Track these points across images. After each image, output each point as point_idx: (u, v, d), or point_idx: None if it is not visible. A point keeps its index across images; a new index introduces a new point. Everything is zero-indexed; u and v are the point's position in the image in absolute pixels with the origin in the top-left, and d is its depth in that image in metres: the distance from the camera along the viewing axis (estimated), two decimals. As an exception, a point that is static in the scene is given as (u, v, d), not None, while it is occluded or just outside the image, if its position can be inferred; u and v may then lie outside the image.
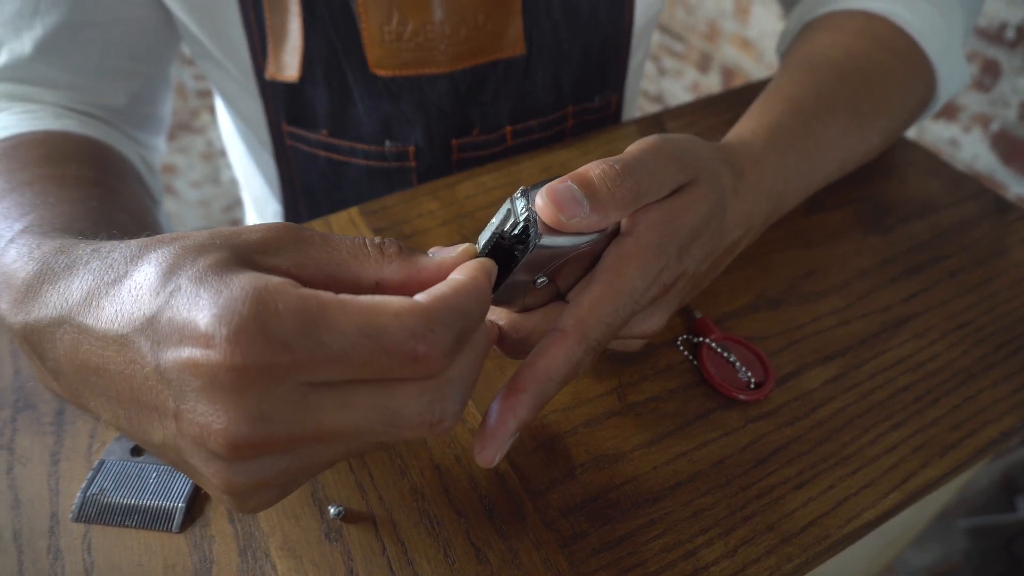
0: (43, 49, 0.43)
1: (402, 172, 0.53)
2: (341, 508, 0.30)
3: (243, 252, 0.22)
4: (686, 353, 0.37)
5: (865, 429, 0.34)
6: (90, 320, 0.22)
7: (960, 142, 1.19)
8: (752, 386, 0.35)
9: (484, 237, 0.28)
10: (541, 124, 0.55)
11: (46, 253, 0.26)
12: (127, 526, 0.30)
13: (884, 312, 0.40)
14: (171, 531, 0.29)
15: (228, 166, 1.91)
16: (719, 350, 0.36)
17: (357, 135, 0.51)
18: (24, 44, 0.42)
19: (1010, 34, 1.07)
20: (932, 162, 0.51)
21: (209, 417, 0.19)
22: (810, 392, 0.35)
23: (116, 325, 0.21)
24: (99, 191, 0.38)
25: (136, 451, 0.32)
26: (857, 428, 0.34)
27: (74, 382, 0.23)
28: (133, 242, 0.23)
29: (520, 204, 0.27)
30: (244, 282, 0.19)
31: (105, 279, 0.22)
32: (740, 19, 1.55)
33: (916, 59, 0.46)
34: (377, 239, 0.24)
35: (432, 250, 0.26)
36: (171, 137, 1.77)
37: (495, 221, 0.28)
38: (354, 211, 0.44)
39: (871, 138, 0.44)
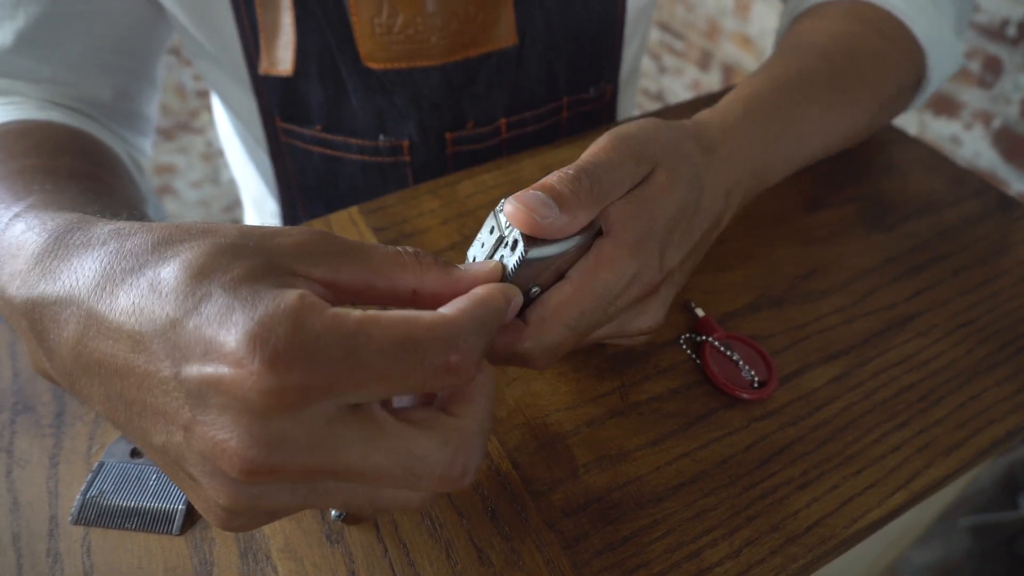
0: (25, 40, 0.42)
1: (396, 167, 0.53)
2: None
3: (277, 258, 0.21)
4: (689, 352, 0.36)
5: (869, 429, 0.34)
6: (103, 307, 0.20)
7: (961, 139, 1.19)
8: (755, 385, 0.35)
9: (476, 252, 0.28)
10: (535, 116, 0.55)
11: (60, 225, 0.24)
12: (127, 529, 0.29)
13: (887, 311, 0.40)
14: (171, 533, 0.29)
15: (227, 166, 1.91)
16: (722, 349, 0.36)
17: (351, 130, 0.51)
18: (6, 35, 0.42)
19: (1011, 31, 1.06)
20: (934, 159, 0.51)
21: (227, 435, 0.18)
22: (813, 391, 0.35)
23: (133, 320, 0.20)
24: (95, 185, 0.37)
25: (136, 453, 0.32)
26: (861, 428, 0.34)
27: (71, 367, 0.22)
28: (156, 227, 0.22)
29: (504, 218, 0.27)
30: (280, 300, 0.19)
31: (123, 265, 0.21)
32: (740, 16, 1.54)
33: (904, 40, 0.45)
34: (412, 249, 0.24)
35: (462, 266, 0.26)
36: (171, 137, 1.77)
37: (482, 236, 0.28)
38: (354, 210, 0.44)
39: (857, 116, 0.44)
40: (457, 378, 0.21)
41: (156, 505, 0.30)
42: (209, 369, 0.18)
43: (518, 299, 0.26)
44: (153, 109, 0.54)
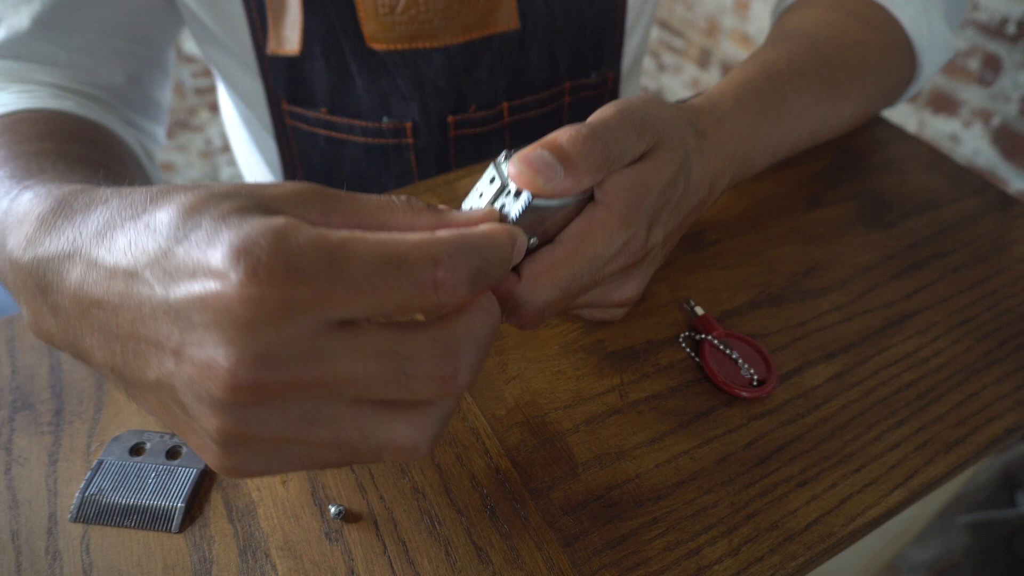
0: (41, 25, 0.43)
1: (399, 149, 0.54)
2: (341, 508, 0.29)
3: (268, 203, 0.21)
4: (688, 350, 0.36)
5: (868, 426, 0.34)
6: (101, 252, 0.21)
7: (960, 137, 1.19)
8: (755, 383, 0.35)
9: (473, 203, 0.28)
10: (537, 100, 0.55)
11: (65, 193, 0.25)
12: (126, 526, 0.29)
13: (886, 308, 0.40)
14: (170, 531, 0.29)
15: (228, 163, 1.91)
16: (721, 347, 0.36)
17: (355, 112, 0.52)
18: (23, 19, 0.42)
19: (1011, 28, 1.06)
20: (934, 157, 0.51)
21: (214, 352, 0.19)
22: (813, 389, 0.35)
23: (127, 257, 0.21)
24: (105, 173, 0.38)
25: (135, 451, 0.32)
26: (860, 425, 0.34)
27: (72, 317, 0.22)
28: (155, 187, 0.23)
29: (506, 168, 0.27)
30: (264, 221, 0.19)
31: (123, 215, 0.22)
32: (740, 15, 1.54)
33: (890, 28, 0.46)
34: (403, 196, 0.24)
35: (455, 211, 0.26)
36: (169, 135, 1.76)
37: (480, 186, 0.28)
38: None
39: (845, 108, 0.44)
40: (445, 295, 0.20)
41: (155, 503, 0.30)
42: (196, 287, 0.19)
43: (523, 239, 0.25)
44: (166, 96, 0.55)
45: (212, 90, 1.73)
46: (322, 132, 0.53)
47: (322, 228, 0.20)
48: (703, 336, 0.37)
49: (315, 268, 0.19)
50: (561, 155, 0.26)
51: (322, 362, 0.19)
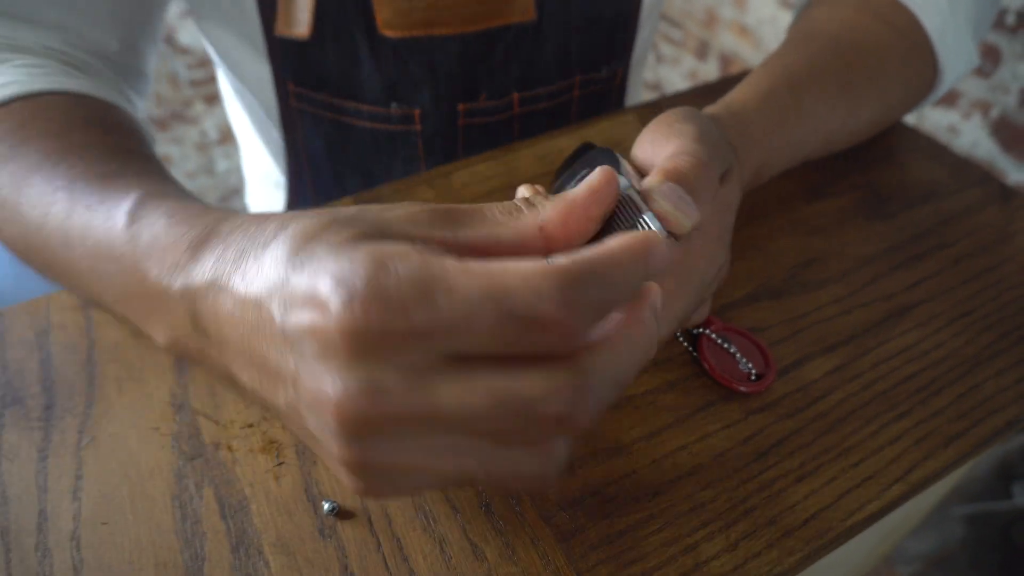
0: None
1: (407, 136, 0.53)
2: (335, 504, 0.29)
3: (391, 226, 0.21)
4: (685, 344, 0.36)
5: (867, 420, 0.33)
6: (236, 280, 0.22)
7: (959, 129, 1.18)
8: (753, 377, 0.34)
9: None
10: (548, 93, 0.55)
11: (209, 221, 0.26)
12: None
13: (887, 300, 0.39)
14: None
15: (224, 156, 1.90)
16: (719, 341, 0.36)
17: (363, 96, 0.51)
18: None
19: (1010, 19, 1.06)
20: (935, 148, 0.51)
21: (322, 383, 0.19)
22: (812, 383, 0.35)
23: (255, 287, 0.21)
24: (155, 165, 0.36)
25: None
26: (859, 419, 0.33)
27: (216, 342, 0.24)
28: (286, 213, 0.24)
29: (623, 182, 0.26)
30: (368, 248, 0.19)
31: (255, 243, 0.23)
32: (738, 6, 1.53)
33: (915, 35, 0.45)
34: (527, 197, 0.23)
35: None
36: (165, 127, 1.75)
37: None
38: (349, 201, 0.44)
39: (862, 113, 0.43)
40: (555, 336, 0.18)
41: None
42: (305, 317, 0.19)
43: (661, 249, 0.20)
44: (152, 65, 0.51)
45: (208, 82, 1.72)
46: (328, 116, 0.52)
47: (431, 256, 0.19)
48: (700, 330, 0.36)
49: (412, 301, 0.18)
50: (689, 187, 0.26)
51: (429, 398, 0.19)
